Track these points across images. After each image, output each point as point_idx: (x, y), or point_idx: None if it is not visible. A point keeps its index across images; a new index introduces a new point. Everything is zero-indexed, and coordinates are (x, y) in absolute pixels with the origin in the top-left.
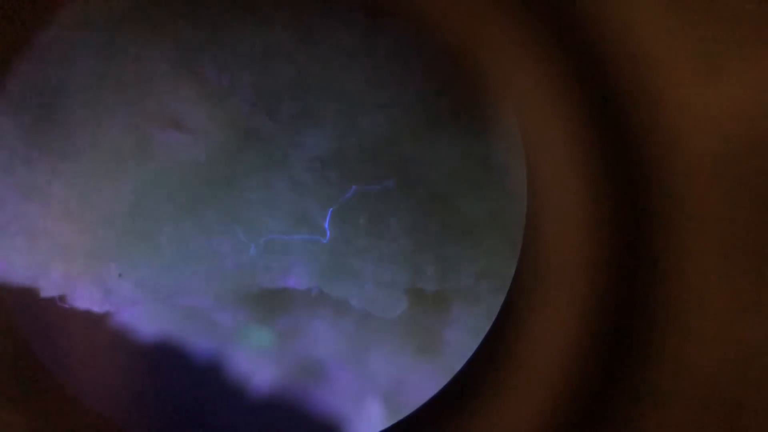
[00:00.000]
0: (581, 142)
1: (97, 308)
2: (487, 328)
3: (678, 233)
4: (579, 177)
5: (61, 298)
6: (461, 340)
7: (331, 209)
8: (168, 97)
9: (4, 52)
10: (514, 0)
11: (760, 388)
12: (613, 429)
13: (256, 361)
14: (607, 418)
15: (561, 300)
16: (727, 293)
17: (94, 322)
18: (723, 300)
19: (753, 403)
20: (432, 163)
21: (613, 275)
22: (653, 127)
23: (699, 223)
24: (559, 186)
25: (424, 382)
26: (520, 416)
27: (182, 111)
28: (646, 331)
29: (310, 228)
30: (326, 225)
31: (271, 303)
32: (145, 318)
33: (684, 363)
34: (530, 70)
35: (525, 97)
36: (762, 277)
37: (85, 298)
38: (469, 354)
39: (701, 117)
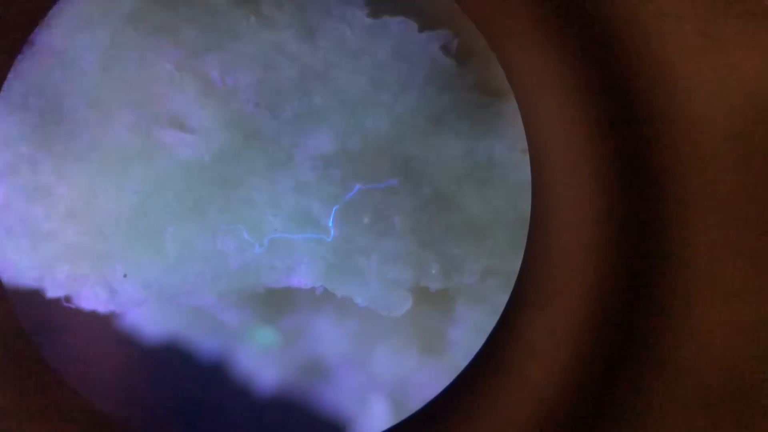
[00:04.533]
0: (586, 139)
1: (102, 309)
2: (491, 327)
3: (686, 224)
4: (583, 174)
5: (67, 299)
6: (466, 338)
7: (335, 208)
8: (172, 98)
9: (7, 53)
10: None
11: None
12: (618, 420)
13: (261, 361)
14: (612, 411)
15: (565, 297)
16: (735, 276)
17: (100, 322)
18: (730, 284)
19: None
20: (436, 161)
21: (618, 271)
22: (660, 117)
23: (706, 208)
24: (564, 183)
25: (429, 381)
26: (525, 414)
27: (186, 112)
28: (651, 326)
29: (314, 227)
30: (330, 224)
31: (275, 302)
32: (150, 318)
33: (688, 358)
34: (537, 66)
35: (530, 94)
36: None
37: (91, 299)
38: (473, 353)
39: (706, 96)
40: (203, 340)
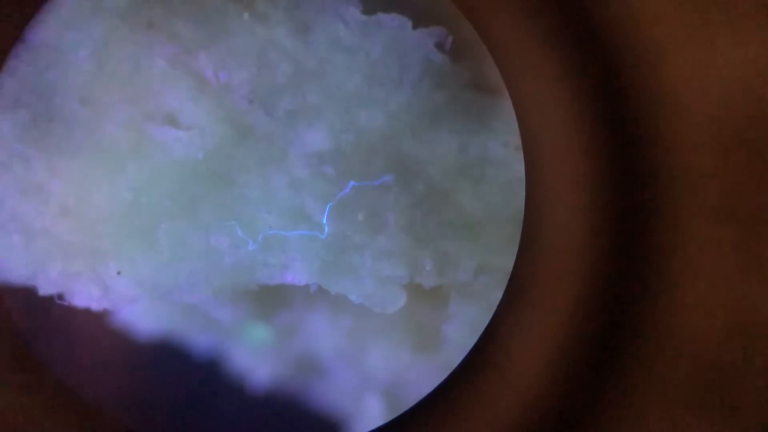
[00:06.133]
0: (580, 136)
1: (95, 306)
2: (485, 324)
3: (677, 221)
4: (577, 171)
5: (60, 296)
6: (460, 335)
7: (329, 205)
8: (165, 95)
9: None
10: None
11: (754, 351)
12: (611, 414)
13: (255, 358)
14: (605, 405)
15: (559, 294)
16: (723, 261)
17: (93, 319)
18: (720, 278)
19: (748, 368)
20: (430, 158)
21: (611, 268)
22: (652, 113)
23: (696, 203)
24: (558, 180)
25: (423, 378)
26: (518, 410)
27: (179, 108)
28: (643, 322)
29: (308, 224)
30: (324, 221)
31: (269, 299)
32: (143, 315)
33: (678, 352)
34: (531, 63)
35: (524, 91)
36: (756, 239)
37: (84, 296)
38: (467, 349)
39: (697, 91)
40: (197, 337)
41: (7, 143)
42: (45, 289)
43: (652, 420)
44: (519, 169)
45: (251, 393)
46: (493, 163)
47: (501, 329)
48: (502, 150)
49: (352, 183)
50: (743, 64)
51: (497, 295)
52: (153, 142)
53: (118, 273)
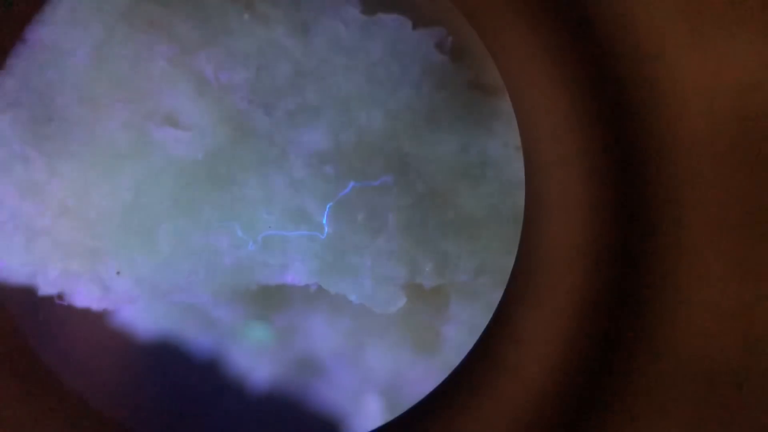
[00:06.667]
0: (579, 136)
1: (95, 306)
2: (485, 324)
3: (676, 221)
4: (576, 171)
5: (60, 296)
6: (459, 335)
7: (329, 205)
8: (165, 95)
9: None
10: None
11: (756, 352)
12: (608, 413)
13: (255, 358)
14: (602, 404)
15: (558, 295)
16: (724, 261)
17: (93, 319)
18: (718, 277)
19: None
20: (430, 158)
21: (609, 268)
22: (652, 114)
23: (695, 205)
24: (557, 181)
25: (423, 378)
26: (517, 409)
27: (179, 108)
28: (642, 321)
29: (308, 224)
30: (324, 221)
31: (269, 299)
32: (143, 315)
33: (676, 351)
34: (531, 64)
35: (524, 91)
36: (756, 241)
37: (84, 296)
38: (467, 350)
39: (696, 93)
40: (197, 337)
41: (7, 143)
42: (45, 289)
43: (652, 420)
44: (519, 169)
45: (251, 393)
46: (492, 164)
47: (501, 329)
48: (502, 150)
49: (352, 183)
50: (742, 69)
51: (497, 295)
52: (153, 142)
53: (118, 273)
